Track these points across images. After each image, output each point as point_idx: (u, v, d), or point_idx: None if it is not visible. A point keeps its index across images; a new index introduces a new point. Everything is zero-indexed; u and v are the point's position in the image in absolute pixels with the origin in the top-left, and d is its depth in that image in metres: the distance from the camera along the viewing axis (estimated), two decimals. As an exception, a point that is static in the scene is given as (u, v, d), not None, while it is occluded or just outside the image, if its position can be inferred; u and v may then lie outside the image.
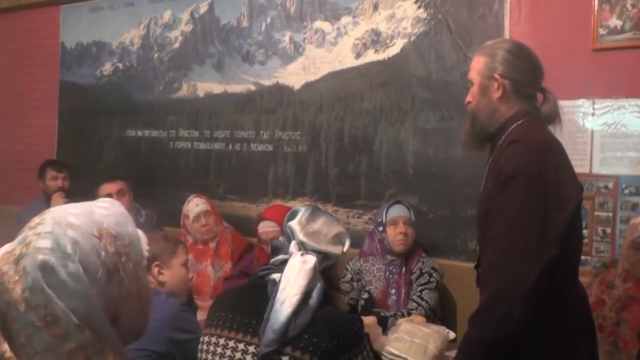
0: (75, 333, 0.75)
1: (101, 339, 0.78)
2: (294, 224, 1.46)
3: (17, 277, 0.75)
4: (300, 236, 1.44)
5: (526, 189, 1.45)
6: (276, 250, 1.48)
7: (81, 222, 0.81)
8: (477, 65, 1.67)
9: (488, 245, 1.55)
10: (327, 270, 1.47)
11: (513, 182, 1.46)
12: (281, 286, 1.36)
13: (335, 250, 1.45)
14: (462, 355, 1.56)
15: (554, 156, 1.52)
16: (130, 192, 3.25)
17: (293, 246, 1.44)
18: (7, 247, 0.80)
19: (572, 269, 1.60)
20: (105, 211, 0.86)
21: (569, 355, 1.52)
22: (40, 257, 0.76)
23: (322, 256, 1.42)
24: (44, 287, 0.75)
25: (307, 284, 1.36)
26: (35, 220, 0.81)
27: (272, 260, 1.46)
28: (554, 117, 1.63)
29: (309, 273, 1.36)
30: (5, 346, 0.75)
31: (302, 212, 1.49)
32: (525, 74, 1.62)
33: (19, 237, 0.79)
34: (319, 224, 1.47)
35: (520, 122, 1.58)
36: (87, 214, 0.84)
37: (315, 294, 1.37)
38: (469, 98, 1.70)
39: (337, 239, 1.48)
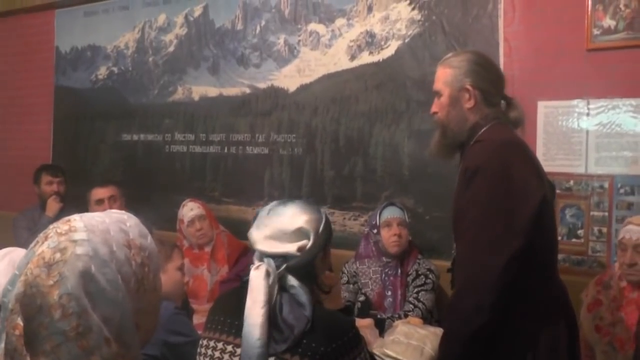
0: (102, 347, 0.74)
1: (126, 351, 0.77)
2: (252, 231, 1.41)
3: (51, 282, 0.72)
4: (258, 245, 1.37)
5: (490, 183, 1.49)
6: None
7: (113, 232, 0.81)
8: (444, 76, 1.70)
9: (459, 242, 1.59)
10: (305, 266, 1.37)
11: (477, 177, 1.50)
12: (246, 307, 1.31)
13: (292, 248, 1.34)
14: (442, 351, 1.58)
15: (516, 154, 1.56)
16: (122, 198, 3.23)
17: (255, 255, 1.39)
18: (12, 251, 0.76)
19: (547, 264, 1.61)
20: (128, 222, 0.86)
21: (548, 352, 1.52)
22: (81, 264, 0.74)
23: (281, 260, 1.34)
24: (82, 295, 0.73)
25: (266, 299, 1.29)
26: (62, 226, 0.78)
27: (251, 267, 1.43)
28: (521, 121, 1.70)
29: (263, 289, 1.30)
30: (28, 358, 0.71)
31: (260, 215, 1.43)
32: (492, 83, 1.68)
33: (47, 242, 0.76)
34: (277, 222, 1.38)
35: (487, 126, 1.63)
36: (115, 223, 0.83)
37: (303, 299, 1.32)
38: (435, 109, 1.75)
39: (298, 234, 1.36)
